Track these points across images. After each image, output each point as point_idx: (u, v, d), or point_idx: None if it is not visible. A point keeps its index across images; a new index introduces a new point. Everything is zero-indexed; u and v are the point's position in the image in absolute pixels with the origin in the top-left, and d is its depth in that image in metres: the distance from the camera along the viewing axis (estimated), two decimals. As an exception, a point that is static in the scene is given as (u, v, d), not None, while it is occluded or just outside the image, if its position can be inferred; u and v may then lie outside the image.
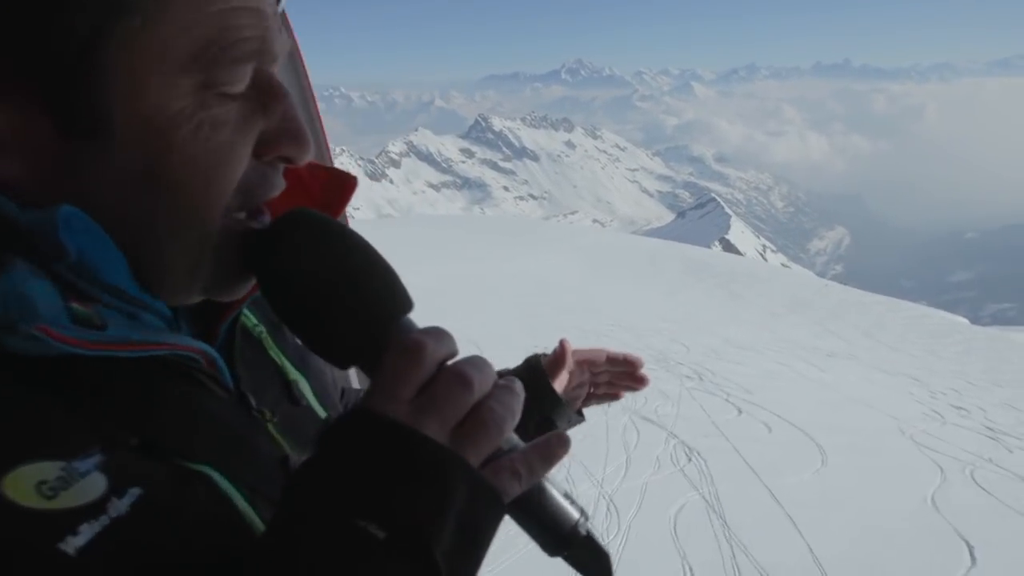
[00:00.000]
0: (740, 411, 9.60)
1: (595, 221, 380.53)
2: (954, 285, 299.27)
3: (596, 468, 7.19)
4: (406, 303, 0.60)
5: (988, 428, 10.92)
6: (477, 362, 0.55)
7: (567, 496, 0.56)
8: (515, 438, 0.54)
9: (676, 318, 20.07)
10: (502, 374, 0.79)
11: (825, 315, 26.46)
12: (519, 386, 0.55)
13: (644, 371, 1.12)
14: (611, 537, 5.34)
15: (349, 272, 0.57)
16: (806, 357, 16.40)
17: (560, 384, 1.12)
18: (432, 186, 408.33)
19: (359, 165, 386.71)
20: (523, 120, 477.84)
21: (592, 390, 1.20)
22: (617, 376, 1.18)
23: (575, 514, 0.56)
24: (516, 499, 0.53)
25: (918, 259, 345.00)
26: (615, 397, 1.23)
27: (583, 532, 0.56)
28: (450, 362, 0.54)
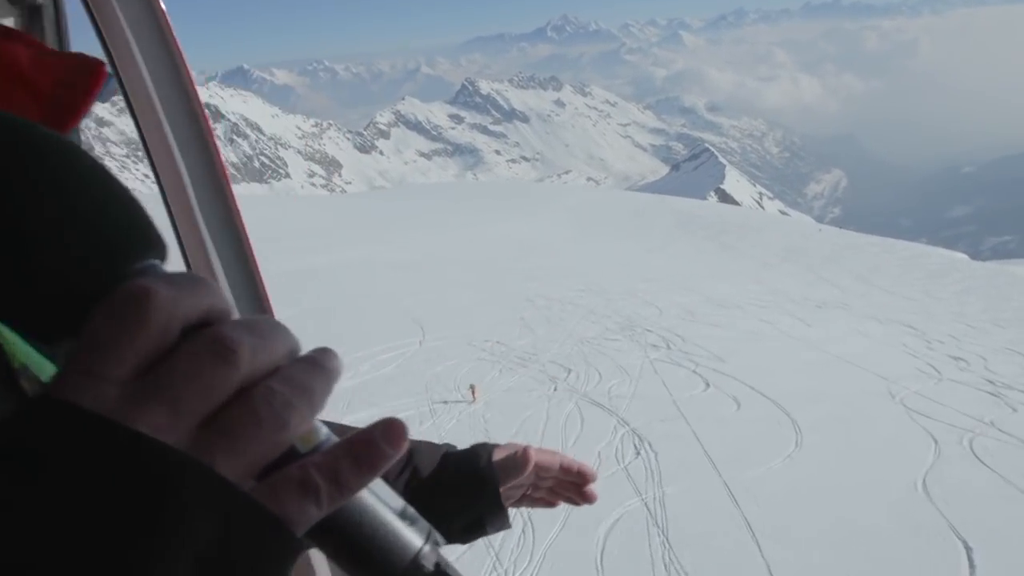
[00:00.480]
0: (708, 384, 8.56)
1: (589, 179, 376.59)
2: (953, 221, 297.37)
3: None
4: (146, 244, 0.35)
5: (989, 382, 9.89)
6: (256, 325, 0.32)
7: (404, 514, 0.37)
8: (324, 433, 0.34)
9: (657, 276, 18.96)
10: (449, 455, 0.72)
11: (819, 261, 25.35)
12: (332, 359, 0.33)
13: (593, 487, 0.98)
14: (518, 572, 4.33)
15: (51, 198, 0.33)
16: (794, 311, 15.34)
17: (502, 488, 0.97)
18: (423, 155, 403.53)
19: (347, 138, 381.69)
20: (510, 81, 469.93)
21: (529, 491, 1.03)
22: (563, 485, 1.01)
23: (416, 541, 0.37)
24: (321, 525, 0.33)
25: (916, 197, 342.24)
26: (551, 504, 1.07)
27: (428, 567, 0.37)
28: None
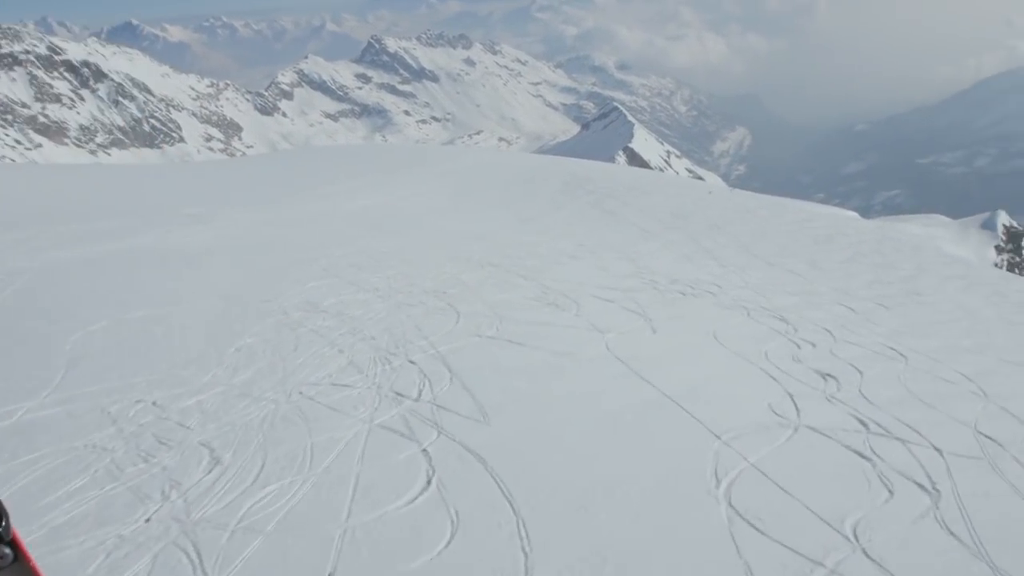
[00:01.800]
0: (428, 483, 5.29)
1: (501, 139, 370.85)
2: (847, 177, 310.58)
3: None
4: None
5: (860, 423, 7.30)
6: None
7: None
8: None
9: (503, 260, 15.88)
10: None
11: (704, 228, 22.89)
12: None
13: None
14: None
15: None
16: (648, 304, 12.59)
17: None
18: (329, 116, 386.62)
19: (247, 100, 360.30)
20: (419, 39, 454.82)
21: None
22: None
23: None
24: None
25: (814, 154, 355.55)
26: None
27: None
28: None
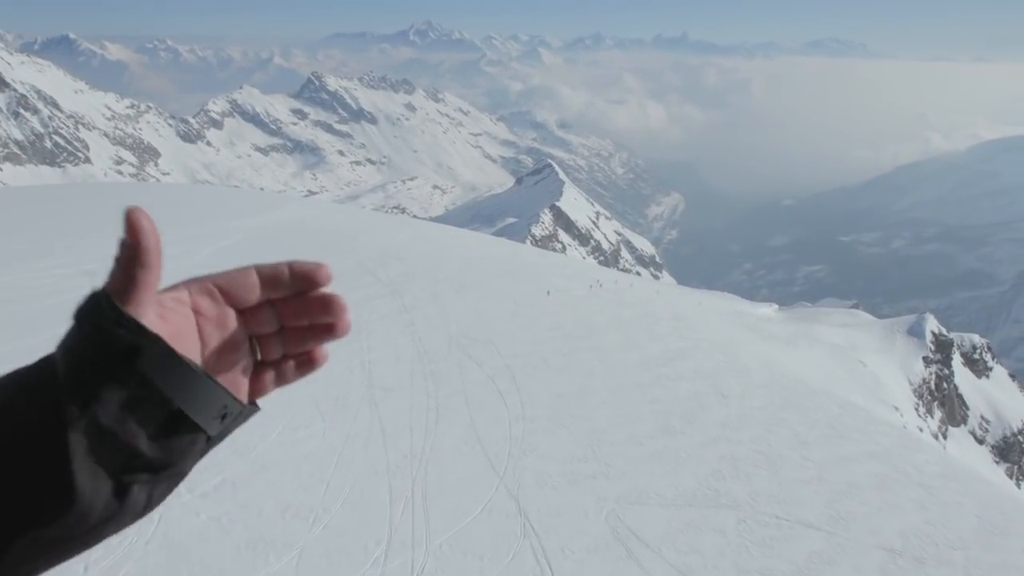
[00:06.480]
0: None
1: (436, 187, 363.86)
2: (774, 249, 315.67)
3: None
4: None
5: None
6: None
7: None
8: None
9: None
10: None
11: (483, 378, 13.34)
12: None
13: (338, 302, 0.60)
14: None
15: None
16: None
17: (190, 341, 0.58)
18: (259, 149, 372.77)
19: (170, 125, 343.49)
20: (360, 80, 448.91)
21: (263, 354, 0.62)
22: (301, 311, 0.60)
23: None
24: None
25: (744, 224, 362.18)
26: (309, 367, 0.64)
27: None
28: None
